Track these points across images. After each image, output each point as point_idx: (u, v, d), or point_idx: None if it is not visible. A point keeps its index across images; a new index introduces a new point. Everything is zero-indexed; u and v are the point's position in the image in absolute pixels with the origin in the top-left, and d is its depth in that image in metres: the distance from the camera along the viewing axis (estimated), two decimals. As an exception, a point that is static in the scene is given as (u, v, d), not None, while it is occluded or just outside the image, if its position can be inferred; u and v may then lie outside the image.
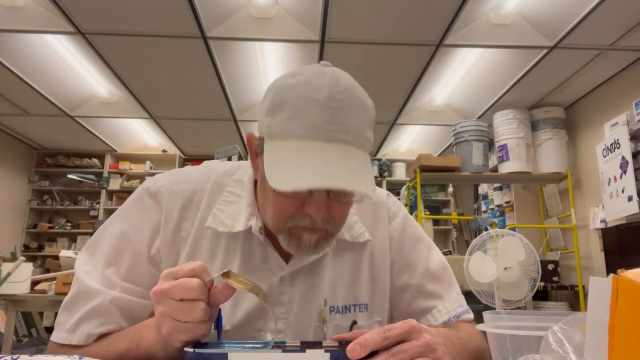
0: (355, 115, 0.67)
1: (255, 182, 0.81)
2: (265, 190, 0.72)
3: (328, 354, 0.51)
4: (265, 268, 0.78)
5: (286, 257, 0.79)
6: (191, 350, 0.53)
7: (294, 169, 0.63)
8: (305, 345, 0.61)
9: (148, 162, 6.29)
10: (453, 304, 0.84)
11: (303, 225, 0.69)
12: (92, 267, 0.77)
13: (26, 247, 5.99)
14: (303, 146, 0.64)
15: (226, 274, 0.57)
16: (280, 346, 0.59)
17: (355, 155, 0.66)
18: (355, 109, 0.67)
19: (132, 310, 0.75)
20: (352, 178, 0.63)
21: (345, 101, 0.66)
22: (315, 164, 0.63)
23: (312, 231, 0.70)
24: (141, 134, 5.66)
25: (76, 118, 4.93)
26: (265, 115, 0.69)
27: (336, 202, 0.69)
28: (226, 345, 0.60)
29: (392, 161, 6.50)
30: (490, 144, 4.41)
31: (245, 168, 0.84)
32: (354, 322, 0.80)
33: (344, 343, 0.56)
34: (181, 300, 0.56)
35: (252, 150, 0.76)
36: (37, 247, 6.09)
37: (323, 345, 0.61)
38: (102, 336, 0.73)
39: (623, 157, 3.40)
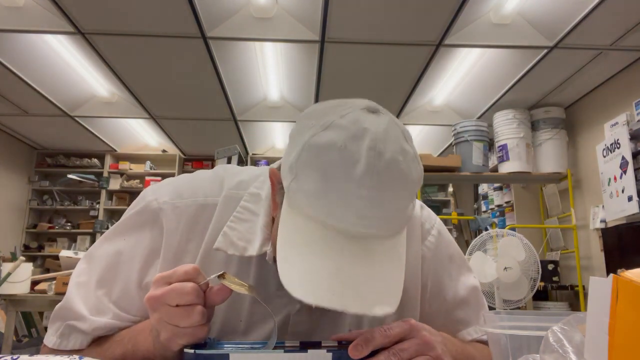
0: (396, 197, 0.56)
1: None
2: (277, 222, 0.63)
3: (330, 354, 0.51)
4: (281, 295, 0.68)
5: None
6: (191, 351, 0.52)
7: (306, 272, 0.54)
8: (305, 345, 0.60)
9: (148, 162, 6.29)
10: (478, 332, 0.79)
11: None
12: (86, 279, 0.73)
13: (26, 247, 5.99)
14: (322, 238, 0.55)
15: (222, 276, 0.56)
16: (280, 346, 0.59)
17: (383, 254, 0.56)
18: (397, 188, 0.56)
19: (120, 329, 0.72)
20: (370, 295, 0.53)
21: (386, 180, 0.54)
22: (331, 274, 0.53)
23: None
24: (141, 134, 5.66)
25: (76, 118, 4.93)
26: (288, 168, 0.59)
27: None
28: (225, 345, 0.60)
29: (392, 161, 6.49)
30: (490, 144, 4.41)
31: (263, 179, 0.74)
32: None
33: (344, 343, 0.56)
34: (177, 305, 0.54)
35: (274, 185, 0.67)
36: (37, 247, 6.09)
37: (323, 345, 0.60)
38: (97, 339, 0.72)
39: (623, 157, 3.40)
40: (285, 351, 0.52)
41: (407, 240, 0.69)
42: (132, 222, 0.74)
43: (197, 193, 0.73)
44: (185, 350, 0.54)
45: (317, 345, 0.60)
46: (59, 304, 0.73)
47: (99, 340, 0.71)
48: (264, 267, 0.70)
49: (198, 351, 0.52)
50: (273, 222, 0.69)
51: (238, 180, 0.75)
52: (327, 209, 0.54)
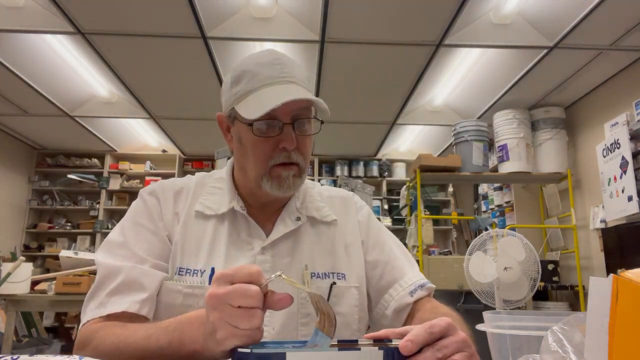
0: (297, 69, 0.87)
1: (232, 175, 0.96)
2: (244, 147, 0.87)
3: (382, 352, 0.52)
4: (249, 241, 0.90)
5: (268, 231, 0.91)
6: (248, 350, 0.52)
7: (261, 102, 0.80)
8: (342, 344, 0.60)
9: (148, 162, 6.29)
10: (417, 276, 0.96)
11: (281, 161, 0.85)
12: (112, 253, 0.85)
13: (26, 247, 5.99)
14: (265, 90, 0.83)
15: (279, 276, 0.57)
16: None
17: (303, 90, 0.84)
18: (295, 66, 0.88)
19: (157, 282, 0.83)
20: (305, 95, 0.81)
21: (286, 61, 0.87)
22: (275, 91, 0.82)
23: (288, 167, 0.85)
24: (141, 134, 5.66)
25: (76, 118, 4.93)
26: (230, 89, 0.87)
27: (301, 135, 0.86)
28: (267, 345, 0.59)
29: (392, 161, 6.50)
30: (490, 144, 4.40)
31: (223, 170, 0.99)
32: (333, 283, 0.90)
33: (385, 341, 0.58)
34: (239, 307, 0.55)
35: (224, 126, 0.93)
36: (37, 247, 6.09)
37: (360, 343, 0.61)
38: (136, 322, 0.76)
39: (623, 157, 3.40)
40: (340, 349, 0.52)
41: (346, 210, 1.01)
42: (133, 205, 0.93)
43: (176, 182, 0.97)
44: (240, 349, 0.53)
45: (353, 343, 0.61)
46: (92, 286, 0.82)
47: (144, 327, 0.73)
48: (235, 221, 0.91)
49: (255, 350, 0.52)
50: (235, 186, 0.94)
51: (204, 174, 1.00)
52: (259, 79, 0.83)
